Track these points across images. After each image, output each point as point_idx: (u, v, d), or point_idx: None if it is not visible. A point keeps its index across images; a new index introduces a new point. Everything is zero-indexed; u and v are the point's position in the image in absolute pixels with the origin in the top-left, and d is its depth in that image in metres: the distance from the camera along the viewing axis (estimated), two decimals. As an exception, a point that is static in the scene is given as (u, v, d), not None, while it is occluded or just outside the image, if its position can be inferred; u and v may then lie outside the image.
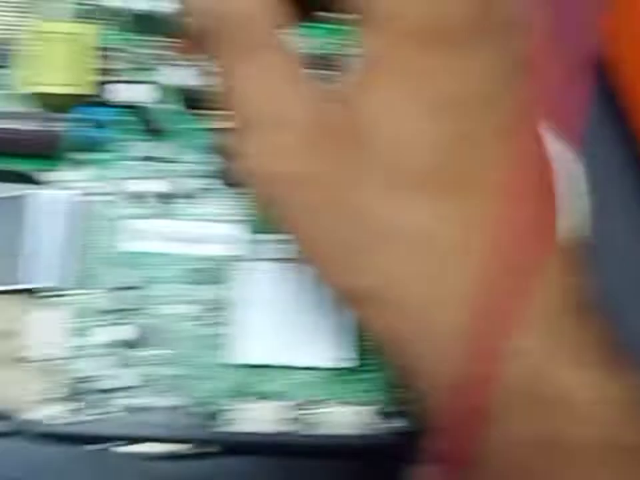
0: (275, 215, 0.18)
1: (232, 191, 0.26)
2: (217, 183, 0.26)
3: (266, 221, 0.25)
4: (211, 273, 0.25)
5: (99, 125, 0.25)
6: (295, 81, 0.17)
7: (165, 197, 0.25)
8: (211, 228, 0.25)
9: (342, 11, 0.18)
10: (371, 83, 0.16)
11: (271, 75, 0.17)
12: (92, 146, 0.26)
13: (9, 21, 0.27)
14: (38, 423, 0.22)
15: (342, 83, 0.17)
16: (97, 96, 0.26)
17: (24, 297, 0.24)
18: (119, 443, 0.22)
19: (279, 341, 0.24)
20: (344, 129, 0.16)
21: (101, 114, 0.25)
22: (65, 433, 0.21)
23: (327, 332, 0.24)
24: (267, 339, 0.24)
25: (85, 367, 0.23)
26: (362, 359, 0.24)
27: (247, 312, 0.24)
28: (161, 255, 0.25)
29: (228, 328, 0.24)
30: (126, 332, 0.23)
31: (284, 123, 0.17)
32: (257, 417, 0.23)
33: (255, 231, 0.25)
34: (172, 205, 0.25)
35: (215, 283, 0.25)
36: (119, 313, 0.24)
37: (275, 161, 0.17)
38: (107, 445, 0.22)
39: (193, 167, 0.26)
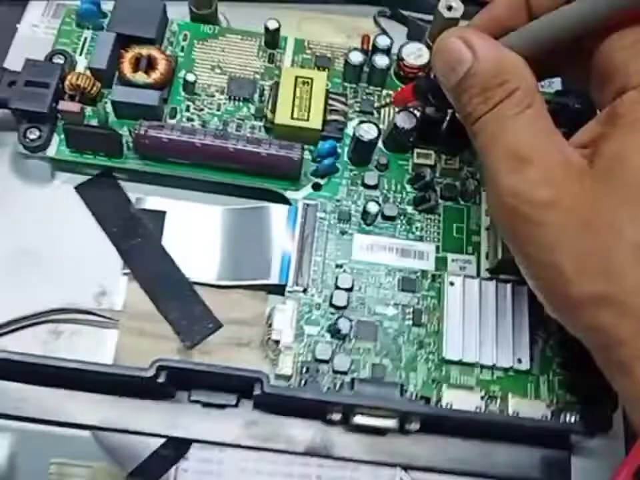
0: (525, 234, 0.22)
1: (426, 216, 0.32)
2: (414, 209, 0.31)
3: (452, 242, 0.31)
4: (412, 282, 0.30)
5: (330, 155, 0.31)
6: (553, 133, 0.23)
7: (375, 216, 0.31)
8: (412, 245, 0.31)
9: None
10: (615, 131, 0.22)
11: (536, 127, 0.22)
12: (324, 172, 0.32)
13: (257, 65, 0.34)
14: (281, 387, 0.27)
15: (584, 133, 0.23)
16: (328, 131, 0.32)
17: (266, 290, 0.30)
18: (335, 409, 0.27)
19: (470, 342, 0.29)
20: (595, 165, 0.22)
21: (330, 147, 0.31)
22: (297, 397, 0.27)
23: (507, 339, 0.29)
24: (462, 341, 0.29)
25: (312, 350, 0.29)
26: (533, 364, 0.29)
27: (446, 317, 0.29)
28: (373, 264, 0.31)
29: (428, 329, 0.29)
30: (341, 327, 0.29)
31: (547, 160, 0.22)
32: (452, 402, 0.28)
33: (444, 250, 0.31)
34: (380, 223, 0.31)
35: (414, 291, 0.30)
36: (339, 309, 0.30)
37: (539, 189, 0.22)
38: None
39: (398, 194, 0.32)
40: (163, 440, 0.28)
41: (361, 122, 0.31)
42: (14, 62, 0.33)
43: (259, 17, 0.35)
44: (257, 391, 0.26)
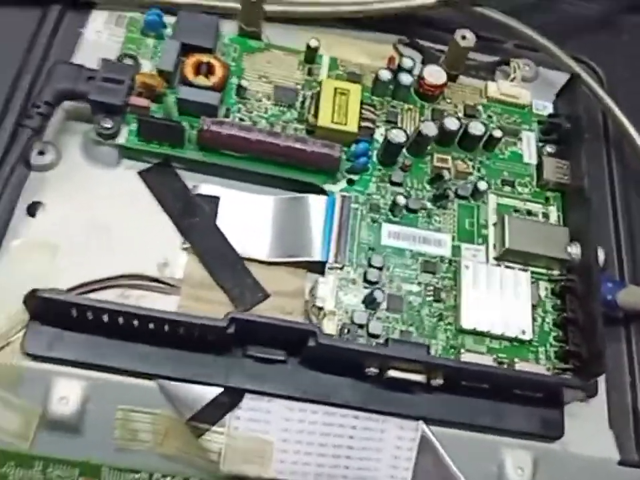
0: None
1: (443, 211, 0.37)
2: (433, 204, 0.37)
3: (465, 233, 0.36)
4: (432, 265, 0.35)
5: (363, 155, 0.37)
6: None
7: (401, 208, 0.36)
8: (432, 235, 0.36)
9: None
10: None
11: None
12: (357, 170, 0.37)
13: (298, 77, 0.39)
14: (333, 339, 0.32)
15: None
16: (361, 135, 0.37)
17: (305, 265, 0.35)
18: (374, 363, 0.32)
19: (482, 315, 0.34)
20: None
21: (364, 148, 0.37)
22: (348, 348, 0.31)
23: (512, 314, 0.34)
24: (476, 314, 0.34)
25: (350, 317, 0.34)
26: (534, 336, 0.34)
27: (461, 294, 0.35)
28: (399, 249, 0.36)
29: (446, 304, 0.35)
30: (377, 296, 0.34)
31: None
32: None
33: (459, 240, 0.36)
34: (405, 215, 0.36)
35: (434, 272, 0.35)
36: (372, 284, 0.35)
37: None
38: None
39: (419, 192, 0.37)
40: (219, 390, 0.32)
41: (392, 127, 0.37)
42: (79, 62, 0.37)
43: (293, 37, 0.40)
44: (311, 343, 0.30)
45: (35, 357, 0.31)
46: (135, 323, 0.30)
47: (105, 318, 0.30)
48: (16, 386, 0.31)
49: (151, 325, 0.30)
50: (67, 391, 0.31)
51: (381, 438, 0.33)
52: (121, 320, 0.30)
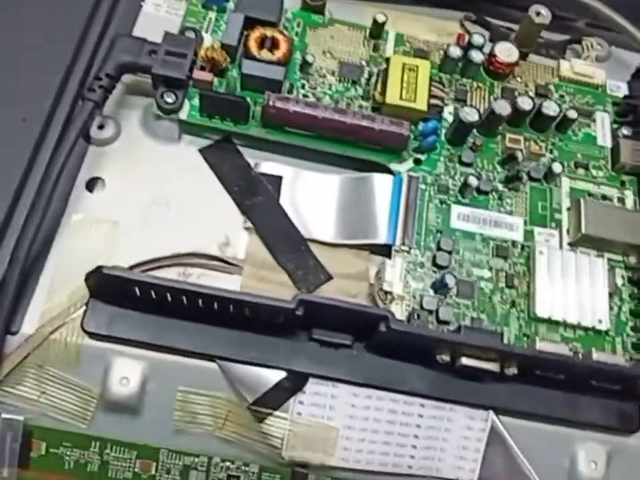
0: None
1: (515, 194, 0.35)
2: (504, 186, 0.35)
3: (538, 217, 0.34)
4: (504, 249, 0.34)
5: (432, 134, 0.35)
6: None
7: (472, 190, 0.35)
8: (503, 218, 0.35)
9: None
10: None
11: None
12: (426, 149, 0.35)
13: (363, 53, 0.38)
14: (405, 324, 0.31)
15: None
16: (429, 113, 0.36)
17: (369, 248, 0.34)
18: (445, 350, 0.30)
19: (557, 304, 0.33)
20: None
21: (433, 126, 0.35)
22: (421, 334, 0.30)
23: (588, 302, 0.33)
24: (551, 302, 0.33)
25: (418, 302, 0.32)
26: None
27: (536, 280, 0.33)
28: (469, 232, 0.34)
29: (519, 291, 0.33)
30: (448, 281, 0.32)
31: None
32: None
33: (531, 224, 0.35)
34: (475, 197, 0.35)
35: (506, 257, 0.34)
36: (441, 269, 0.33)
37: None
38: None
39: (490, 173, 0.35)
40: (283, 374, 0.31)
41: (464, 106, 0.35)
42: (139, 34, 0.36)
43: (357, 12, 0.39)
44: (382, 328, 0.29)
45: (95, 336, 0.30)
46: (199, 302, 0.29)
47: (168, 297, 0.29)
48: (75, 365, 0.31)
49: (216, 305, 0.29)
50: (127, 371, 0.31)
51: (449, 427, 0.32)
52: (184, 299, 0.29)
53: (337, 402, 0.31)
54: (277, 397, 0.31)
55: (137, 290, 0.29)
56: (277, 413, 0.31)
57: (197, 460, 0.32)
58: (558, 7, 0.39)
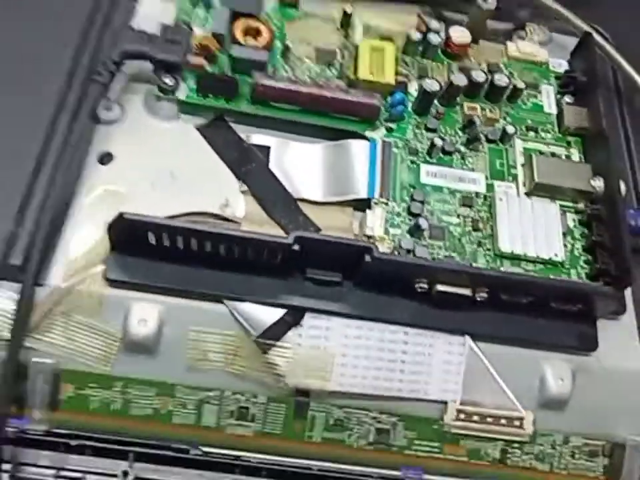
0: None
1: (475, 154, 0.40)
2: (466, 148, 0.40)
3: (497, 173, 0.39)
4: (470, 199, 0.39)
5: (400, 104, 0.40)
6: None
7: (438, 150, 0.40)
8: (467, 174, 0.40)
9: None
10: None
11: None
12: (395, 117, 0.40)
13: (336, 40, 0.43)
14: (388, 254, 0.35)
15: None
16: (396, 87, 0.41)
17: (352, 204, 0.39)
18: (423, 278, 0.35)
19: (517, 241, 0.37)
20: None
21: (400, 98, 0.40)
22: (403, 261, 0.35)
23: (544, 239, 0.38)
24: (512, 239, 0.37)
25: (397, 245, 0.37)
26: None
27: (500, 222, 0.38)
28: (438, 186, 0.39)
29: (484, 233, 0.38)
30: (421, 223, 0.37)
31: None
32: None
33: (492, 178, 0.40)
34: (441, 158, 0.40)
35: (471, 206, 0.39)
36: (415, 216, 0.38)
37: None
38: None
39: (453, 137, 0.41)
40: (283, 310, 0.35)
41: (425, 78, 0.40)
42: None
43: (326, 6, 0.44)
44: (367, 259, 0.33)
45: (116, 284, 0.34)
46: (209, 245, 0.33)
47: (181, 241, 0.33)
48: (98, 312, 0.34)
49: (222, 248, 0.33)
50: (145, 315, 0.34)
51: (431, 353, 0.36)
52: (195, 242, 0.33)
53: (331, 333, 0.35)
54: (279, 331, 0.35)
55: (153, 235, 0.33)
56: (279, 344, 0.35)
57: (210, 394, 0.35)
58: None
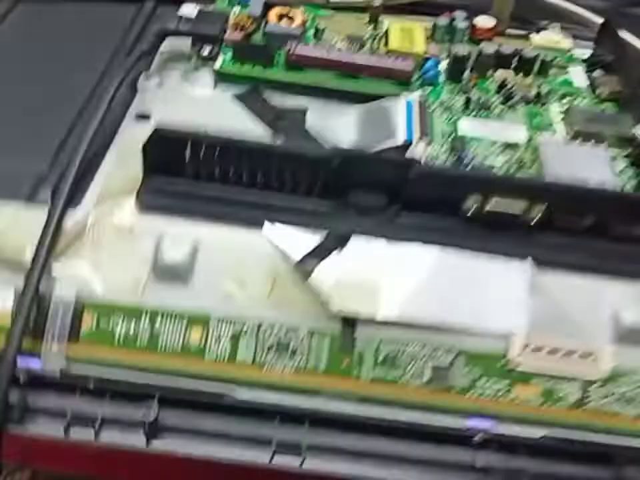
0: None
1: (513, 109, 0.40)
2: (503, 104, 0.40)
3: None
4: (512, 146, 0.38)
5: (432, 69, 0.41)
6: None
7: (475, 104, 0.39)
8: (506, 126, 0.39)
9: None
10: None
11: None
12: (429, 81, 0.41)
13: (364, 31, 0.44)
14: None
15: None
16: (429, 57, 0.42)
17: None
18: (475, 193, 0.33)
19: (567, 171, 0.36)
20: None
21: (432, 64, 0.41)
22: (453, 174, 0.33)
23: (597, 171, 0.36)
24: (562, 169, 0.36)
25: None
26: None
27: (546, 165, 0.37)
28: (478, 138, 0.38)
29: (532, 170, 0.36)
30: (466, 155, 0.36)
31: None
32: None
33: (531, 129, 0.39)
34: (479, 112, 0.40)
35: (515, 149, 0.38)
36: (458, 160, 0.37)
37: None
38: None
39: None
40: (325, 234, 0.33)
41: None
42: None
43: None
44: (412, 175, 0.32)
45: (148, 209, 0.33)
46: (246, 159, 0.32)
47: (216, 155, 0.32)
48: (128, 239, 0.32)
49: (260, 163, 0.32)
50: (179, 239, 0.32)
51: (489, 279, 0.33)
52: (232, 158, 0.32)
53: (377, 257, 0.33)
54: (320, 256, 0.33)
55: (188, 151, 0.32)
56: (322, 269, 0.32)
57: (245, 327, 0.32)
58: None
